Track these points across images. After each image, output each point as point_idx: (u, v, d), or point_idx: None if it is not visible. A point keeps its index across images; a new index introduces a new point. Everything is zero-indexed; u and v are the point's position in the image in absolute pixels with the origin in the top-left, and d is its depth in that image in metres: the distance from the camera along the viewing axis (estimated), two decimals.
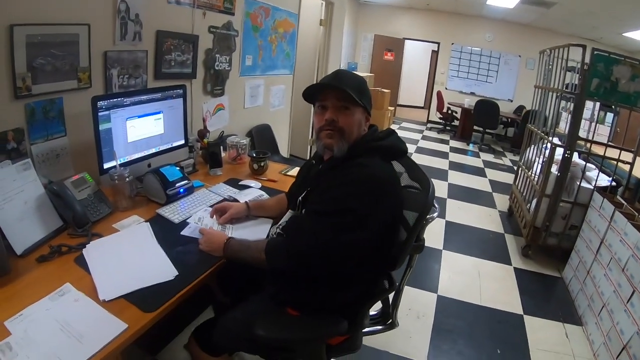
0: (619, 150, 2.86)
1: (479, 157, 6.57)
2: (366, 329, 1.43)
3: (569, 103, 3.76)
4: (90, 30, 1.55)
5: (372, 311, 1.51)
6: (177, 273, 1.11)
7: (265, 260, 1.10)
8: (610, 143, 3.00)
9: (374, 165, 1.09)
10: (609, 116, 4.53)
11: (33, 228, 1.19)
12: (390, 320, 1.46)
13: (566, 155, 2.90)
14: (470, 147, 7.21)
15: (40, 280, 1.04)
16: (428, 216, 1.30)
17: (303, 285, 1.12)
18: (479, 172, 5.64)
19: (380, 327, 1.46)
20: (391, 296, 1.43)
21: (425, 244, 2.58)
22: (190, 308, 1.81)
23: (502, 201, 4.39)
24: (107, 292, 0.99)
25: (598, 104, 3.31)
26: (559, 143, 3.00)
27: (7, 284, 1.01)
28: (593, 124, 3.20)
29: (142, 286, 1.03)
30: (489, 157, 6.60)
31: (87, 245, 1.20)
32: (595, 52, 2.73)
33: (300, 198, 1.23)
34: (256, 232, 1.40)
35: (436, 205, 1.30)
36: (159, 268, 1.12)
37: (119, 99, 1.51)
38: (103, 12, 1.62)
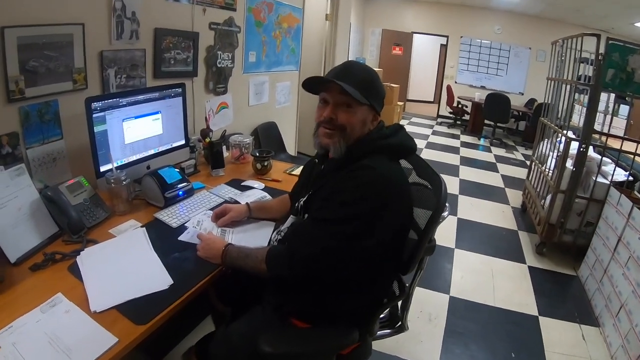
0: (635, 144, 2.75)
1: (490, 151, 6.47)
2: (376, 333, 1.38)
3: (582, 95, 3.65)
4: (84, 30, 1.51)
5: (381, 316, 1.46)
6: (171, 282, 1.06)
7: (266, 270, 1.04)
8: (626, 136, 2.90)
9: (381, 166, 1.01)
10: (623, 108, 4.39)
11: (27, 235, 1.16)
12: (400, 324, 1.40)
13: (581, 149, 2.79)
14: (482, 142, 7.10)
15: (33, 289, 1.01)
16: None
17: (308, 294, 1.06)
18: (490, 167, 5.54)
19: (388, 331, 1.40)
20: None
21: (437, 243, 2.48)
22: (193, 314, 1.77)
23: (515, 197, 4.30)
24: (99, 303, 0.95)
25: (613, 95, 3.21)
26: (574, 137, 2.90)
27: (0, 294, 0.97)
28: (608, 116, 3.09)
29: (134, 296, 0.99)
30: (501, 152, 6.49)
31: (81, 253, 1.15)
32: (610, 42, 2.64)
33: (302, 202, 1.16)
34: (257, 236, 1.35)
35: (447, 204, 1.23)
36: (154, 277, 1.07)
37: (114, 100, 1.46)
38: (98, 11, 1.58)
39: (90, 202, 1.36)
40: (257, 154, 1.94)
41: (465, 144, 6.76)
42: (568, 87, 3.12)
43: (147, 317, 0.93)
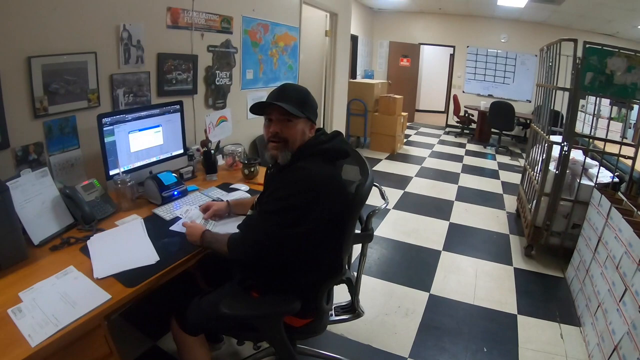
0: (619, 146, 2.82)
1: (495, 159, 6.52)
2: (335, 318, 1.59)
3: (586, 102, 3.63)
4: (97, 57, 1.81)
5: (344, 302, 1.65)
6: (158, 259, 1.33)
7: (227, 252, 1.29)
8: (609, 139, 2.94)
9: (312, 166, 1.22)
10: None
11: (49, 223, 1.45)
12: (356, 310, 1.60)
13: (564, 152, 2.87)
14: (488, 150, 7.15)
15: (51, 264, 1.28)
16: (376, 208, 1.45)
17: (260, 271, 1.30)
18: (492, 174, 5.60)
19: (348, 316, 1.61)
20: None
21: (423, 245, 2.64)
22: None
23: (511, 202, 4.36)
24: (100, 272, 1.22)
25: (607, 99, 3.21)
26: (555, 140, 2.98)
27: (24, 267, 1.26)
28: (602, 120, 3.10)
29: (128, 268, 1.25)
30: (505, 159, 6.54)
31: (91, 238, 1.43)
32: (587, 46, 2.68)
33: (256, 199, 1.41)
34: (233, 228, 1.59)
35: (386, 198, 1.43)
36: (144, 254, 1.34)
37: (121, 116, 1.76)
38: (108, 41, 1.87)
39: (101, 200, 1.65)
40: (246, 161, 2.20)
41: (470, 153, 6.84)
42: (553, 92, 3.15)
43: (136, 283, 1.19)
